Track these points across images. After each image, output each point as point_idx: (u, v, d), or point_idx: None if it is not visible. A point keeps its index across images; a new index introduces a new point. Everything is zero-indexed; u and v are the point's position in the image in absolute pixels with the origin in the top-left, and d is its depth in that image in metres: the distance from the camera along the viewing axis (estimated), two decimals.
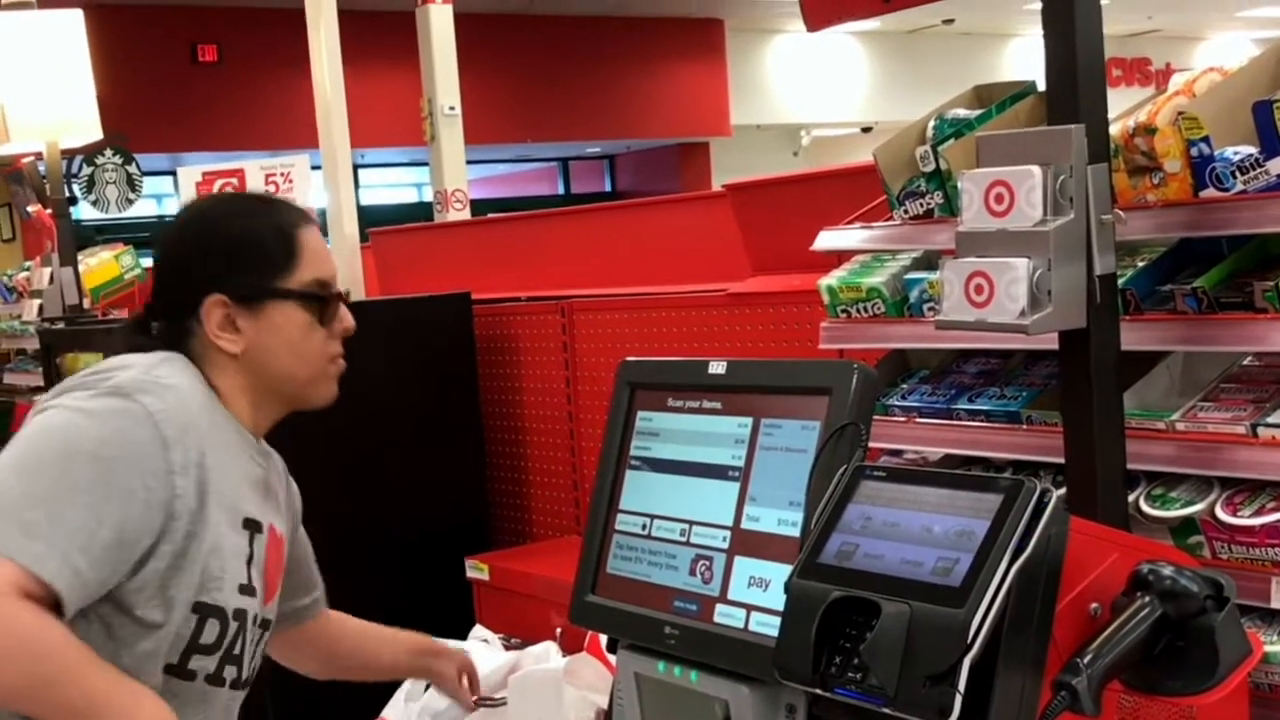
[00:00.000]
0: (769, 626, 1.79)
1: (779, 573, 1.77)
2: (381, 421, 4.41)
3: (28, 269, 7.88)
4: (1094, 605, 1.60)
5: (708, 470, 2.00)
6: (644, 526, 2.07)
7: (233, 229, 2.02)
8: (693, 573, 1.98)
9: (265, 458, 2.09)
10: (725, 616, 1.91)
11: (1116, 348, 2.05)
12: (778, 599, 1.67)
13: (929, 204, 2.54)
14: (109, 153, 7.82)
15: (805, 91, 17.82)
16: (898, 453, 2.62)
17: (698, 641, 1.93)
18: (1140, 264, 2.22)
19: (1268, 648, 1.91)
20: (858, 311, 2.64)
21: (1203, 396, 2.17)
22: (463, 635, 3.59)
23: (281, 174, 6.44)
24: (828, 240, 2.74)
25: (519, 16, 15.20)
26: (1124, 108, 2.27)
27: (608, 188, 19.21)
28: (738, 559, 1.92)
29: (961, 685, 1.42)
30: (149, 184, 8.77)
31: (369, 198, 15.87)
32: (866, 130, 18.33)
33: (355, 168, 7.12)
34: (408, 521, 4.45)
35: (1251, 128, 2.06)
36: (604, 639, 2.30)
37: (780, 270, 3.68)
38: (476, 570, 4.17)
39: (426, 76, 9.66)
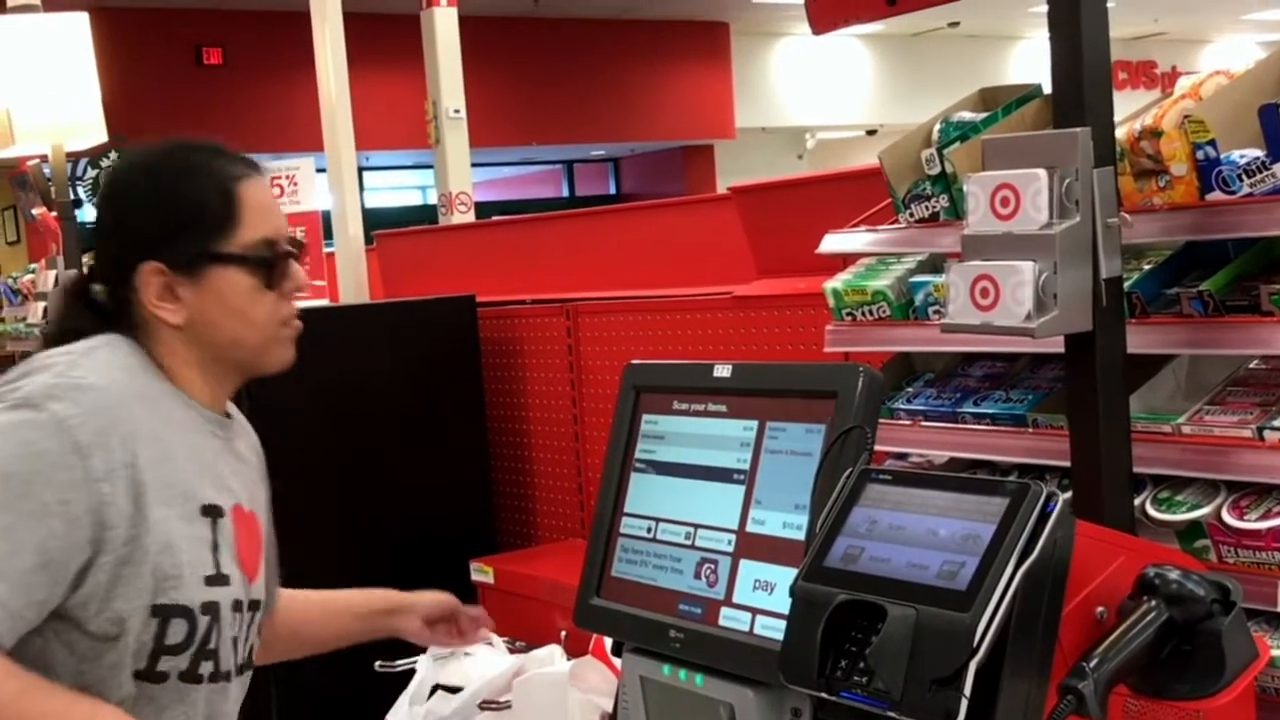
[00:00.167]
0: (774, 630, 1.78)
1: (784, 576, 1.77)
2: (386, 424, 4.42)
3: (33, 272, 7.89)
4: (1100, 609, 1.60)
5: (713, 473, 2.00)
6: (649, 530, 2.07)
7: (165, 188, 1.86)
8: (698, 576, 1.97)
9: (226, 428, 1.95)
10: (730, 620, 1.91)
11: (1122, 351, 2.05)
12: (783, 602, 1.67)
13: (934, 207, 2.54)
14: (114, 155, 7.82)
15: (810, 94, 17.82)
16: (903, 456, 2.62)
17: (703, 645, 1.92)
18: (1146, 267, 2.22)
19: (1275, 652, 1.90)
20: (863, 315, 2.63)
21: (1209, 400, 2.16)
22: None
23: (286, 177, 6.45)
24: (833, 243, 2.74)
25: (524, 19, 15.21)
26: (1130, 111, 2.27)
27: (612, 190, 19.21)
28: (743, 562, 1.92)
29: (967, 689, 1.42)
30: None
31: (374, 200, 15.89)
32: (871, 133, 18.33)
33: (360, 170, 7.12)
34: (412, 524, 4.45)
35: (1258, 131, 2.06)
36: (609, 642, 2.29)
37: (785, 273, 3.68)
38: (481, 573, 4.17)
39: (431, 79, 9.66)
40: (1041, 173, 1.95)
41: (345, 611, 2.39)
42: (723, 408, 2.02)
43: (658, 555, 2.04)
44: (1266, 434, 2.02)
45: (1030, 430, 2.34)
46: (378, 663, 3.53)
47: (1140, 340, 2.11)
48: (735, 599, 1.91)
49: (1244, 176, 2.04)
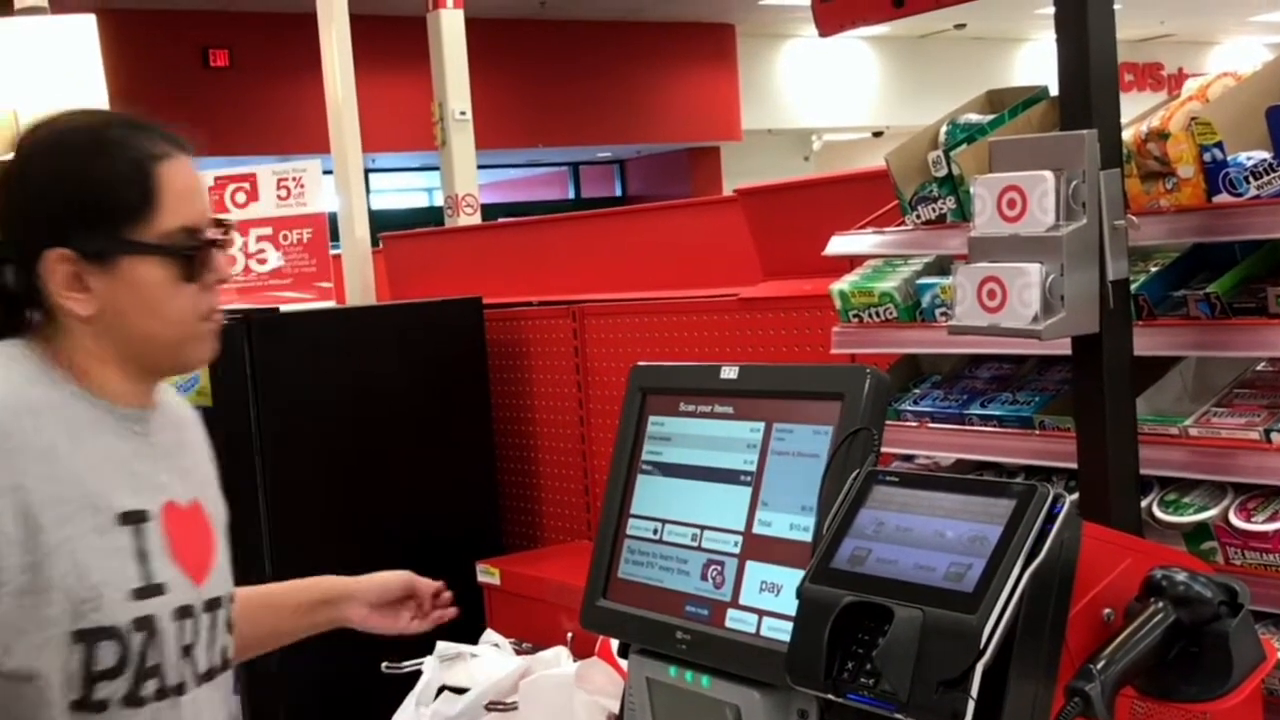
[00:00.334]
0: (781, 631, 1.78)
1: (791, 578, 1.77)
2: (392, 426, 4.42)
3: None
4: (1107, 611, 1.60)
5: (719, 475, 2.00)
6: (655, 531, 2.07)
7: (73, 166, 1.69)
8: (704, 577, 1.97)
9: (146, 421, 1.78)
10: (737, 621, 1.91)
11: (1129, 353, 2.04)
12: (789, 604, 1.67)
13: (941, 209, 2.54)
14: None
15: (816, 96, 17.83)
16: (910, 458, 2.62)
17: (709, 646, 1.92)
18: (1153, 269, 2.22)
19: None
20: (870, 316, 2.63)
21: (1216, 402, 2.16)
22: (474, 639, 3.60)
23: (293, 178, 6.45)
24: (839, 245, 2.74)
25: (530, 21, 15.23)
26: (1136, 113, 2.27)
27: (618, 192, 19.22)
28: (749, 564, 1.92)
29: (974, 691, 1.42)
30: None
31: (380, 202, 15.92)
32: (878, 135, 18.33)
33: (366, 172, 7.13)
34: (418, 525, 4.45)
35: (1265, 133, 2.06)
36: (615, 644, 2.29)
37: (792, 275, 3.68)
38: (487, 574, 4.17)
39: (437, 81, 9.68)
40: (1048, 175, 1.95)
41: (283, 605, 2.24)
42: (729, 409, 2.02)
43: (664, 557, 2.04)
44: (1274, 436, 2.02)
45: (1037, 432, 2.34)
46: (384, 664, 3.53)
47: (1147, 342, 2.11)
48: (742, 600, 1.91)
49: (1251, 178, 2.04)
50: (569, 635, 3.52)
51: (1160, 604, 1.58)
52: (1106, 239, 1.95)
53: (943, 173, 2.52)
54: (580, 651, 3.28)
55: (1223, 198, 2.08)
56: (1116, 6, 2.02)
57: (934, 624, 1.46)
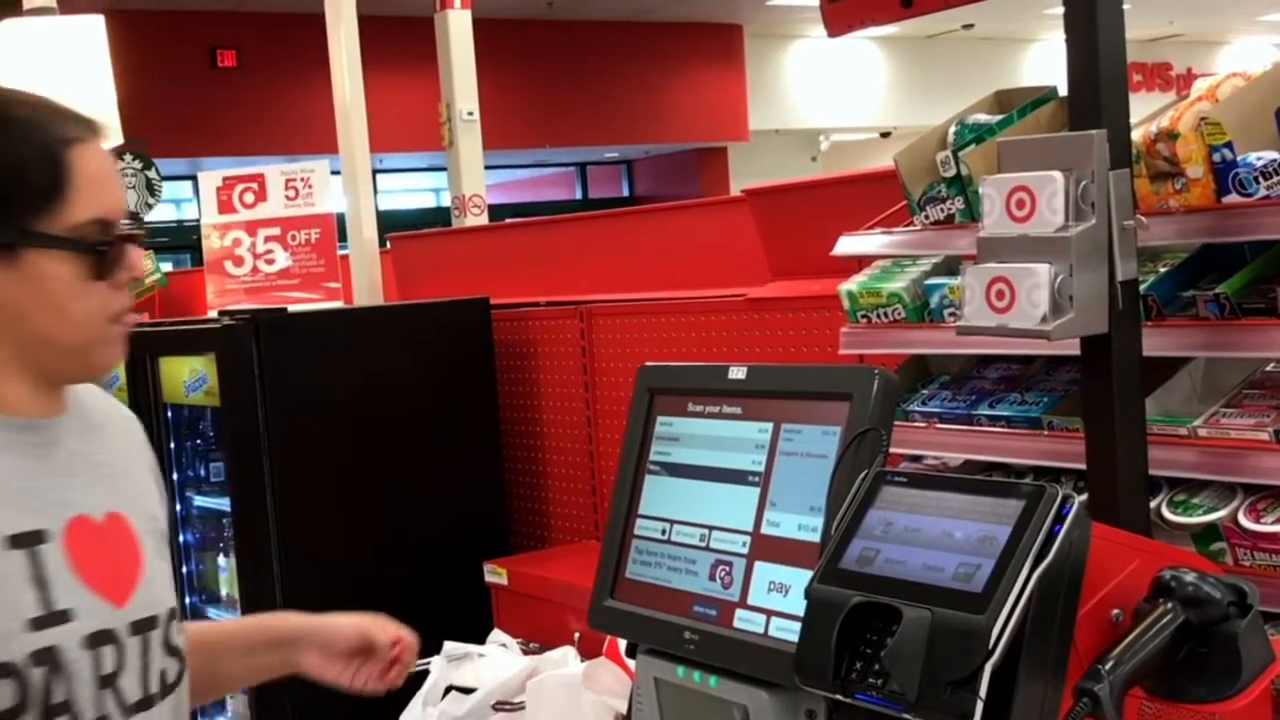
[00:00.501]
0: (789, 632, 1.78)
1: (799, 578, 1.77)
2: (400, 426, 4.42)
3: None
4: (1116, 611, 1.60)
5: (728, 475, 2.00)
6: (663, 531, 2.07)
7: None
8: (712, 578, 1.97)
9: (47, 431, 1.60)
10: (745, 622, 1.91)
11: (1138, 353, 2.04)
12: (798, 604, 1.66)
13: (950, 209, 2.54)
14: (129, 157, 7.86)
15: (824, 96, 17.82)
16: (918, 458, 2.62)
17: (717, 646, 1.92)
18: (1162, 270, 2.21)
19: None
20: (878, 317, 2.63)
21: (1225, 403, 2.16)
22: (481, 639, 3.60)
23: (301, 179, 6.47)
24: (848, 245, 2.74)
25: (537, 22, 15.23)
26: (1145, 113, 2.27)
27: (625, 193, 19.22)
28: (758, 564, 1.92)
29: (983, 691, 1.42)
30: (168, 189, 8.82)
31: (387, 203, 15.91)
32: (885, 135, 18.32)
33: (374, 173, 7.14)
34: (426, 525, 4.46)
35: (1275, 133, 2.06)
36: (623, 644, 2.29)
37: (800, 275, 3.68)
38: (495, 575, 4.17)
39: (445, 81, 9.69)
40: (1057, 175, 1.95)
41: (228, 646, 1.97)
42: (737, 410, 2.02)
43: (672, 557, 2.04)
44: None
45: (1046, 433, 2.34)
46: None
47: (1156, 343, 2.11)
48: (750, 601, 1.91)
49: (1261, 178, 2.04)
50: (576, 635, 3.52)
51: (1169, 605, 1.58)
52: (1115, 239, 1.95)
53: (951, 173, 2.52)
54: (588, 652, 3.28)
55: (1232, 198, 2.07)
56: (1125, 6, 2.02)
57: (942, 624, 1.46)
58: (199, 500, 4.77)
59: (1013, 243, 2.00)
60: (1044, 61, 18.37)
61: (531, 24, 15.17)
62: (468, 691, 3.26)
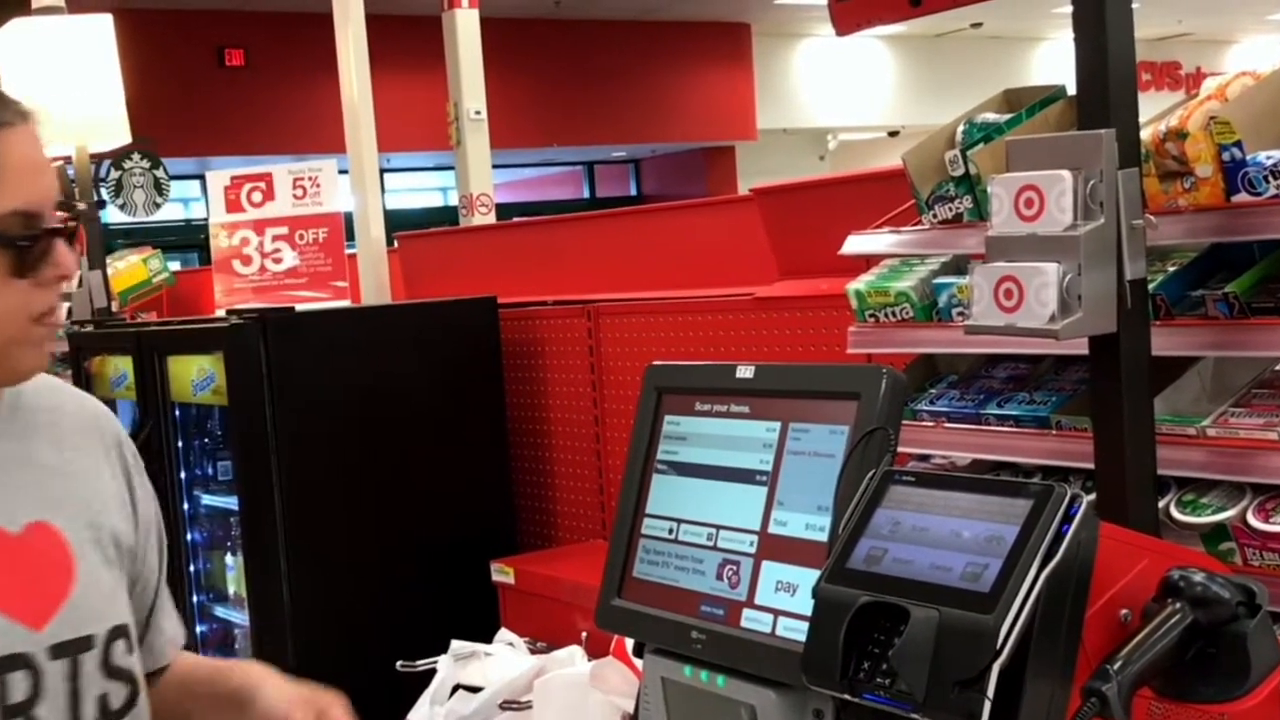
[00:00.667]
0: (796, 631, 1.78)
1: (807, 578, 1.76)
2: (407, 425, 4.43)
3: None
4: (1124, 611, 1.59)
5: (735, 475, 1.99)
6: (670, 531, 2.07)
7: None
8: (719, 577, 1.97)
9: None
10: (752, 621, 1.90)
11: (1147, 353, 2.04)
12: (805, 604, 1.66)
13: (958, 208, 2.53)
14: (137, 157, 7.87)
15: (832, 95, 17.81)
16: (926, 458, 2.62)
17: (724, 646, 1.92)
18: (1171, 269, 2.21)
19: None
20: (886, 316, 2.63)
21: (1234, 402, 2.15)
22: (488, 639, 3.60)
23: (309, 178, 6.48)
24: (856, 245, 2.74)
25: (545, 21, 15.23)
26: (1154, 112, 2.26)
27: (633, 192, 19.22)
28: (765, 564, 1.92)
29: (990, 691, 1.42)
30: (176, 188, 8.83)
31: (395, 202, 15.93)
32: (894, 134, 18.31)
33: (381, 172, 7.14)
34: (433, 525, 4.46)
35: None
36: (630, 643, 2.29)
37: (808, 274, 3.67)
38: (502, 574, 4.17)
39: (452, 81, 9.69)
40: (1066, 174, 1.94)
41: (201, 693, 1.78)
42: (745, 409, 2.01)
43: (679, 556, 2.04)
44: None
45: (1054, 432, 2.33)
46: (399, 662, 3.54)
47: (1165, 342, 2.10)
48: (757, 600, 1.91)
49: (1270, 178, 2.03)
50: (584, 634, 3.52)
51: (1178, 605, 1.58)
52: (1124, 238, 1.95)
53: (959, 172, 2.51)
54: (595, 651, 3.28)
55: (1241, 197, 2.07)
56: (1134, 5, 2.02)
57: (950, 624, 1.45)
58: (207, 499, 4.77)
59: (1021, 242, 2.00)
60: (1053, 60, 18.34)
61: (539, 23, 15.18)
62: (475, 690, 3.27)
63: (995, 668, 1.41)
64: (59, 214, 1.47)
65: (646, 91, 16.20)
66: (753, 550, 1.94)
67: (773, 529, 1.92)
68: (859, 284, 2.69)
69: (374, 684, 3.90)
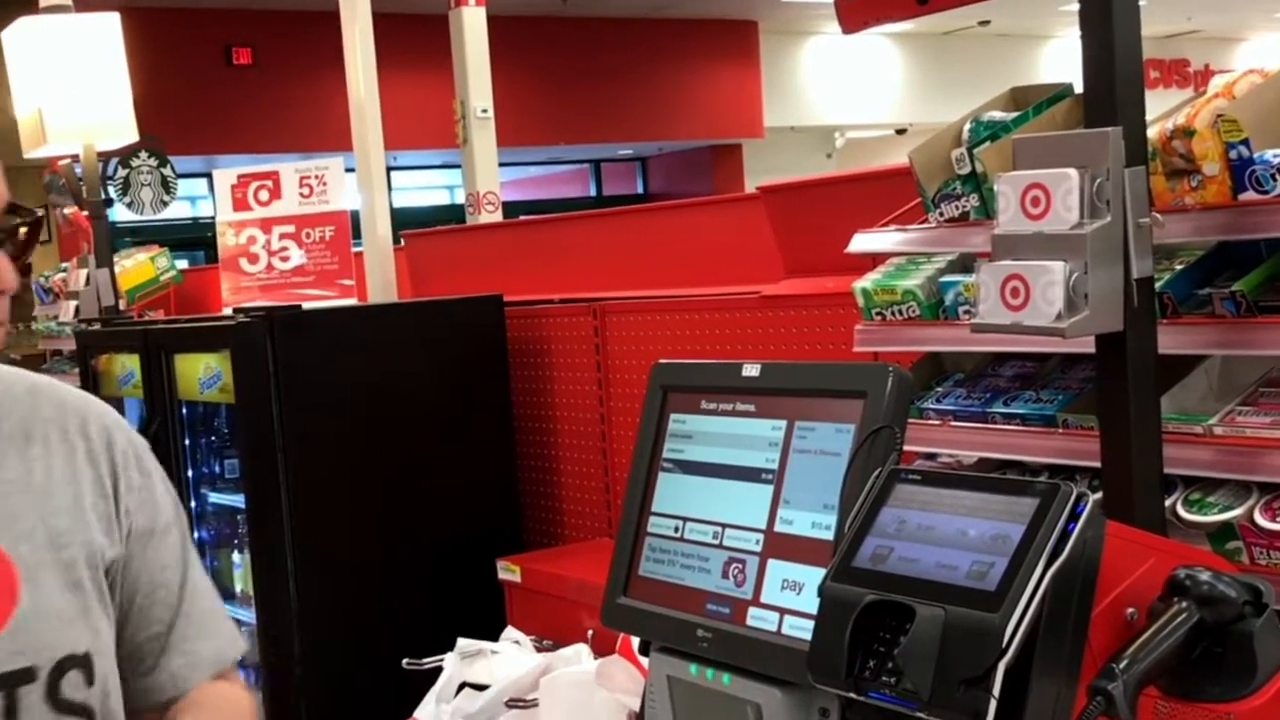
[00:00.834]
0: (802, 630, 1.78)
1: (812, 576, 1.76)
2: (413, 423, 4.43)
3: (64, 270, 7.95)
4: (1130, 610, 1.59)
5: (741, 473, 1.99)
6: (676, 529, 2.07)
7: None
8: (725, 575, 1.97)
9: None
10: (758, 620, 1.91)
11: (1154, 351, 2.03)
12: (811, 602, 1.66)
13: (964, 206, 2.53)
14: (144, 155, 7.87)
15: (839, 93, 17.78)
16: (932, 456, 2.61)
17: (730, 644, 1.92)
18: (1178, 267, 2.20)
19: None
20: (892, 314, 2.63)
21: (1241, 401, 2.15)
22: (494, 637, 3.60)
23: (315, 176, 6.49)
24: (862, 243, 2.74)
25: (552, 19, 15.22)
26: (1162, 110, 2.26)
27: (640, 190, 19.21)
28: (771, 562, 1.92)
29: (996, 690, 1.41)
30: (183, 186, 8.83)
31: (401, 200, 15.93)
32: (901, 132, 18.28)
33: (388, 170, 7.15)
34: (439, 523, 4.46)
35: None
36: (636, 641, 2.29)
37: (814, 273, 3.67)
38: (508, 572, 4.18)
39: (459, 79, 9.69)
40: (1072, 172, 1.94)
41: None
42: (751, 407, 2.01)
43: (685, 555, 2.04)
44: None
45: (1060, 431, 2.33)
46: (405, 660, 3.54)
47: (1172, 341, 2.10)
48: (763, 599, 1.91)
49: (1277, 176, 2.03)
50: (590, 633, 3.52)
51: (1184, 604, 1.57)
52: (1131, 237, 1.94)
53: (966, 170, 2.51)
54: (601, 649, 3.28)
55: (1248, 195, 2.06)
56: (1142, 3, 2.01)
57: (956, 623, 1.45)
58: (214, 497, 4.78)
59: (1027, 240, 1.99)
60: (1060, 58, 18.31)
61: (546, 21, 15.17)
62: (481, 688, 3.27)
63: (1001, 666, 1.41)
64: (9, 220, 1.37)
65: (653, 89, 16.19)
66: (758, 549, 1.94)
67: (778, 527, 1.92)
68: (865, 282, 2.69)
69: (380, 682, 3.91)
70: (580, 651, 3.38)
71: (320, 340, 4.29)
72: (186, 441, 4.74)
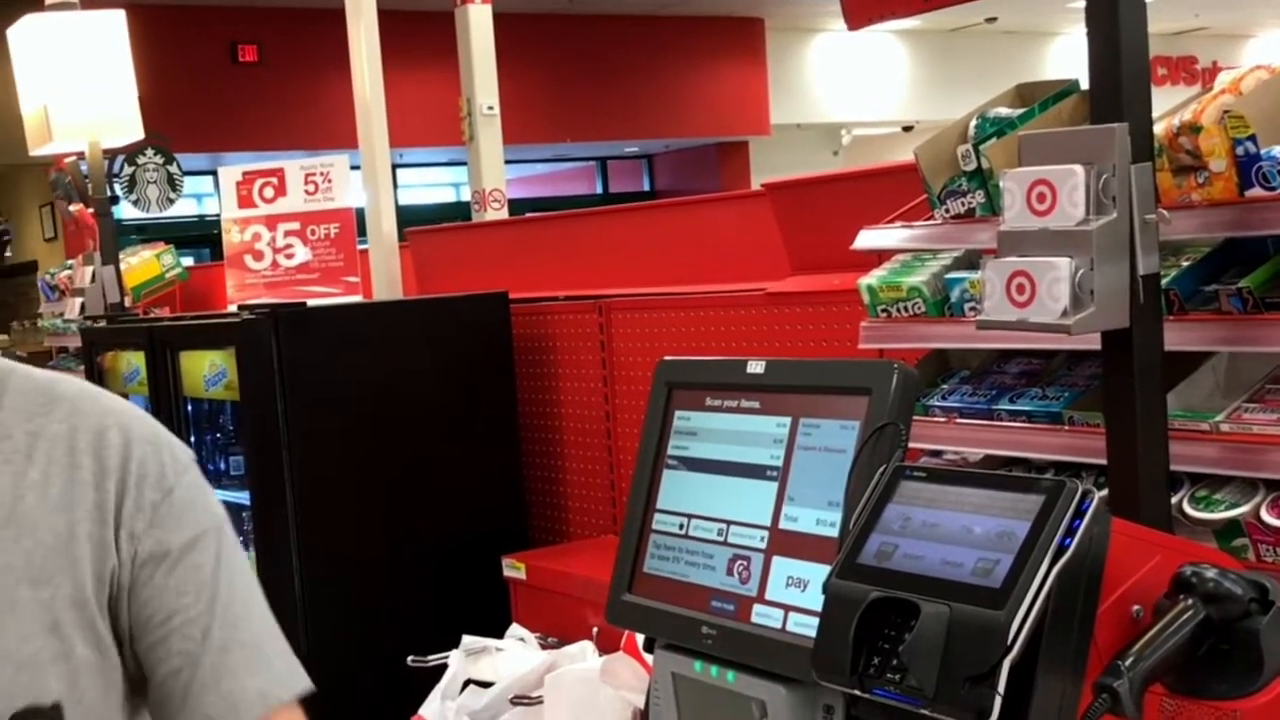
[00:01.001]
0: (807, 627, 1.78)
1: (817, 573, 1.76)
2: (419, 421, 4.43)
3: (70, 268, 7.96)
4: (1136, 607, 1.59)
5: (746, 470, 1.99)
6: (681, 526, 2.06)
7: None
8: (730, 572, 1.97)
9: None
10: (763, 616, 1.90)
11: (1160, 348, 2.03)
12: (816, 599, 1.66)
13: (970, 203, 2.52)
14: (150, 152, 7.89)
15: (845, 90, 17.77)
16: (938, 453, 2.61)
17: (735, 641, 1.92)
18: (1184, 264, 2.20)
19: None
20: (898, 311, 2.62)
21: (1248, 397, 2.14)
22: (500, 634, 3.60)
23: (321, 174, 6.48)
24: (868, 239, 2.73)
25: (558, 16, 15.22)
26: (1169, 106, 2.25)
27: (646, 187, 19.21)
28: (775, 559, 1.92)
29: (1001, 687, 1.41)
30: (189, 183, 8.84)
31: (407, 197, 15.93)
32: (907, 129, 18.26)
33: (394, 167, 7.14)
34: (445, 520, 4.46)
35: None
36: (641, 638, 2.29)
37: (820, 270, 3.67)
38: (513, 569, 4.18)
39: (465, 76, 9.69)
40: (1079, 169, 1.93)
41: None
42: (756, 404, 2.01)
43: (690, 552, 2.04)
44: None
45: (1066, 428, 2.32)
46: (410, 657, 3.54)
47: (1178, 337, 2.09)
48: (768, 596, 1.91)
49: None
50: (594, 630, 3.52)
51: (1190, 601, 1.57)
52: (1137, 233, 1.94)
53: (972, 167, 2.51)
54: (606, 646, 3.28)
55: (1255, 192, 2.06)
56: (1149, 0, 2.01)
57: (961, 620, 1.45)
58: (218, 494, 4.76)
59: (1033, 236, 1.99)
60: (1066, 55, 18.29)
61: (551, 18, 15.17)
62: (486, 685, 3.27)
63: (1006, 663, 1.41)
64: None
65: (659, 86, 16.19)
66: (763, 545, 1.94)
67: (783, 524, 1.92)
68: (871, 279, 2.68)
69: (385, 679, 3.91)
70: (585, 648, 3.38)
71: (325, 337, 4.29)
72: (191, 438, 4.74)
